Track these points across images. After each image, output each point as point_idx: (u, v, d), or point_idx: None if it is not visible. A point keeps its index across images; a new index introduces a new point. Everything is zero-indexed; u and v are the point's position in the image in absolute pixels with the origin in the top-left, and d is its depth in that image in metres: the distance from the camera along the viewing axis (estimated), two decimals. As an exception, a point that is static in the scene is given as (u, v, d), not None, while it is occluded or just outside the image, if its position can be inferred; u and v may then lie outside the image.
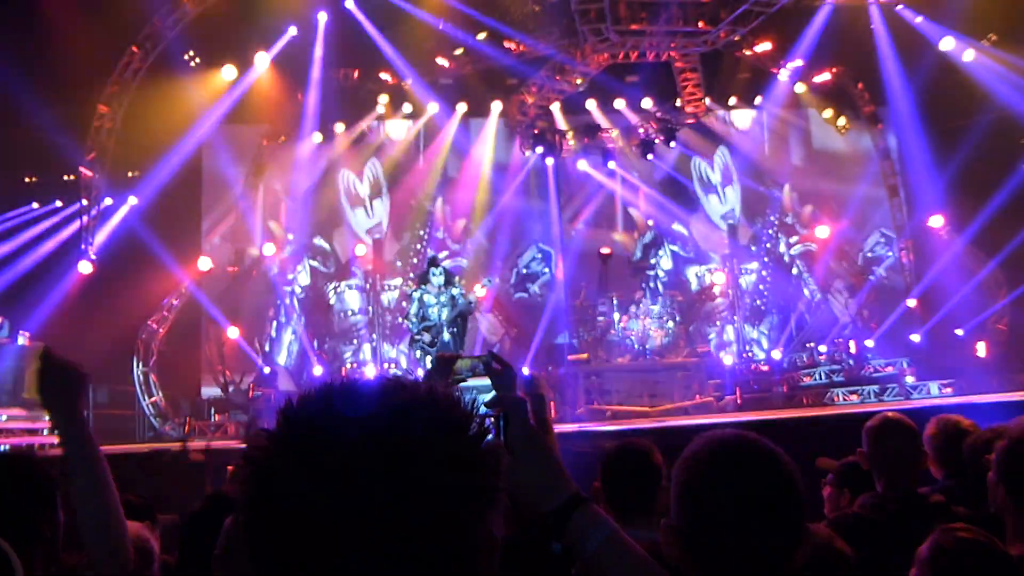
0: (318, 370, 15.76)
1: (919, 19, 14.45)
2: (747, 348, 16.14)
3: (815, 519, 3.25)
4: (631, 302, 14.08)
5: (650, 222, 17.18)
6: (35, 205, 15.02)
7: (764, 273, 17.13)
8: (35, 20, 13.76)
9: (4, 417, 11.10)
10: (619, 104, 16.55)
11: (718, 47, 14.18)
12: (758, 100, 16.84)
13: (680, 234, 17.30)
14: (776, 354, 14.52)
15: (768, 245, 17.28)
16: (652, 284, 16.32)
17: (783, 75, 16.03)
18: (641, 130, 16.58)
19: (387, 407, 0.83)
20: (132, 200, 14.74)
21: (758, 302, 16.92)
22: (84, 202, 14.12)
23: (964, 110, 15.32)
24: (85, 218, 14.13)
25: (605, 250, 14.93)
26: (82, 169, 13.89)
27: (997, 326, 15.06)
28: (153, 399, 14.52)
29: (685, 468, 1.49)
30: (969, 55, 14.75)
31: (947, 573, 2.03)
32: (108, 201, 14.53)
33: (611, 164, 16.85)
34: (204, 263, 15.02)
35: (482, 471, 0.85)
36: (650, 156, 16.46)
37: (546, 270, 17.07)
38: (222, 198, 16.48)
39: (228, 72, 14.98)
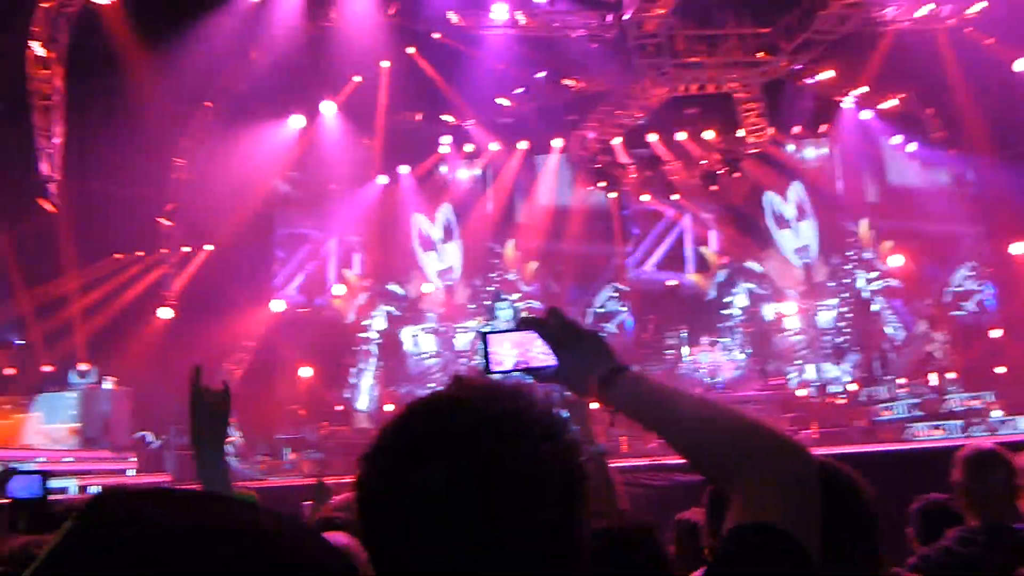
0: (390, 407, 15.99)
1: (990, 41, 14.08)
2: (826, 385, 15.65)
3: (900, 557, 3.17)
4: (701, 335, 13.92)
5: (723, 260, 16.97)
6: (118, 256, 15.71)
7: (844, 310, 16.69)
8: (118, 83, 14.56)
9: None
10: (680, 136, 16.53)
11: (779, 77, 14.09)
12: (823, 128, 16.62)
13: (755, 271, 17.00)
14: (853, 387, 14.09)
15: (847, 281, 16.86)
16: (729, 323, 16.05)
17: (847, 103, 15.82)
18: (704, 162, 16.52)
19: (499, 404, 0.91)
20: (208, 247, 15.30)
21: (839, 339, 16.46)
22: (164, 251, 14.72)
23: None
24: (165, 266, 14.72)
25: (672, 282, 14.83)
26: (161, 220, 14.49)
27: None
28: (231, 439, 14.85)
29: None
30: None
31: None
32: (186, 249, 15.09)
33: (675, 196, 16.79)
34: (277, 305, 15.44)
35: (577, 473, 0.91)
36: (714, 187, 16.36)
37: (622, 308, 16.94)
38: (293, 243, 16.98)
39: (297, 121, 15.53)
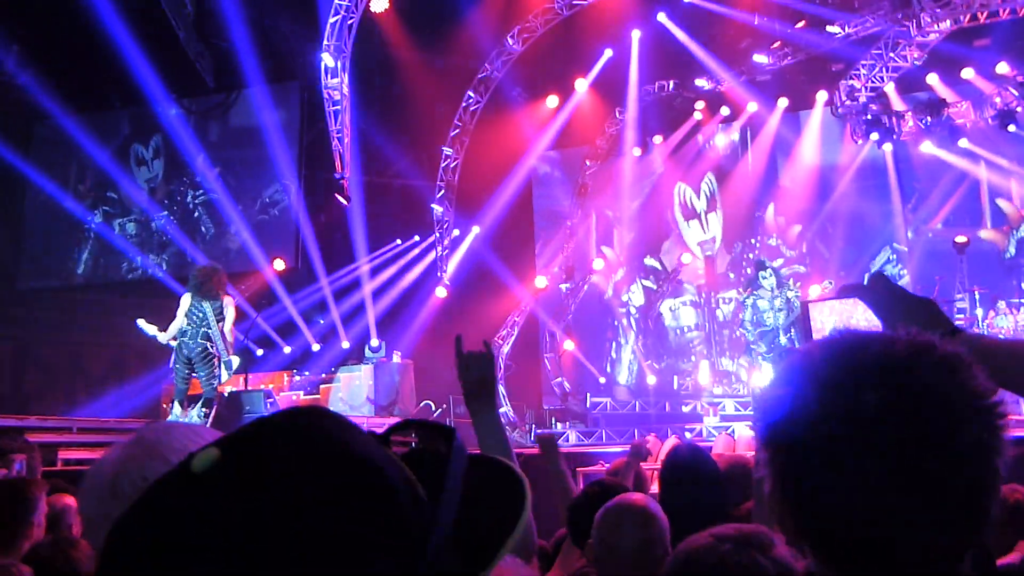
0: (651, 379, 16.04)
1: None
2: None
3: None
4: (998, 298, 12.34)
5: (1025, 212, 14.88)
6: (398, 241, 17.21)
7: None
8: (392, 84, 15.96)
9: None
10: (967, 74, 14.61)
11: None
12: None
13: None
14: None
15: None
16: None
17: None
18: (998, 99, 14.49)
19: None
20: (476, 229, 16.28)
21: None
22: (437, 235, 15.91)
23: None
24: (439, 249, 15.91)
25: (961, 239, 13.25)
26: (434, 206, 15.65)
27: None
28: (503, 409, 15.80)
29: None
30: None
31: None
32: (456, 232, 16.17)
33: (963, 142, 14.92)
34: (540, 281, 16.06)
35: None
36: (1012, 128, 14.31)
37: (904, 272, 15.49)
38: (554, 220, 17.53)
39: (552, 101, 15.98)
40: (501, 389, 15.98)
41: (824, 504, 0.89)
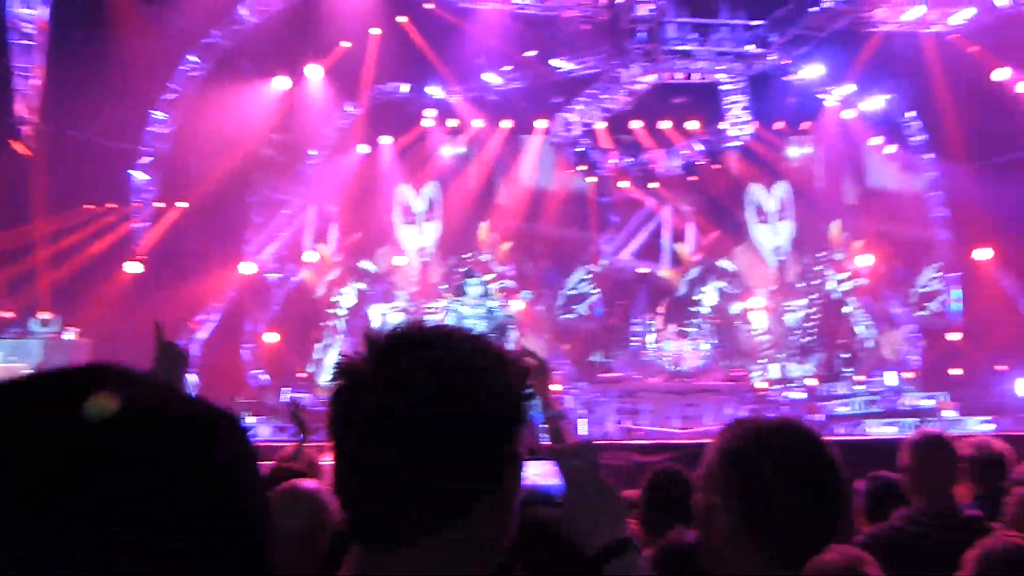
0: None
1: (973, 49, 14.26)
2: (786, 381, 15.85)
3: (847, 534, 3.22)
4: (668, 324, 14.01)
5: (696, 258, 17.01)
6: (89, 206, 15.44)
7: (812, 310, 16.84)
8: (105, 32, 14.30)
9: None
10: (664, 125, 16.55)
11: (767, 70, 14.14)
12: (805, 126, 16.75)
13: (727, 270, 17.07)
14: (812, 382, 14.32)
15: (816, 282, 17.02)
16: (697, 317, 16.09)
17: (831, 101, 15.95)
18: (686, 152, 16.55)
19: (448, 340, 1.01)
20: (182, 204, 15.10)
21: (805, 339, 16.62)
22: (136, 204, 14.51)
23: (1016, 142, 15.07)
24: (136, 220, 14.52)
25: (643, 270, 14.89)
26: (135, 172, 14.27)
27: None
28: (190, 399, 14.76)
29: (733, 446, 1.52)
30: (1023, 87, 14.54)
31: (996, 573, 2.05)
32: (159, 204, 14.89)
33: (653, 184, 16.82)
34: (247, 268, 15.29)
35: (515, 396, 1.00)
36: (694, 178, 16.42)
37: (593, 291, 16.94)
38: (270, 207, 16.80)
39: (281, 83, 15.34)
40: (193, 378, 14.94)
41: None
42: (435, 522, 0.93)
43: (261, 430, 13.74)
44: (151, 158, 14.31)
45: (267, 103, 15.48)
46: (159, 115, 14.11)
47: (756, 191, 17.03)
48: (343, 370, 1.00)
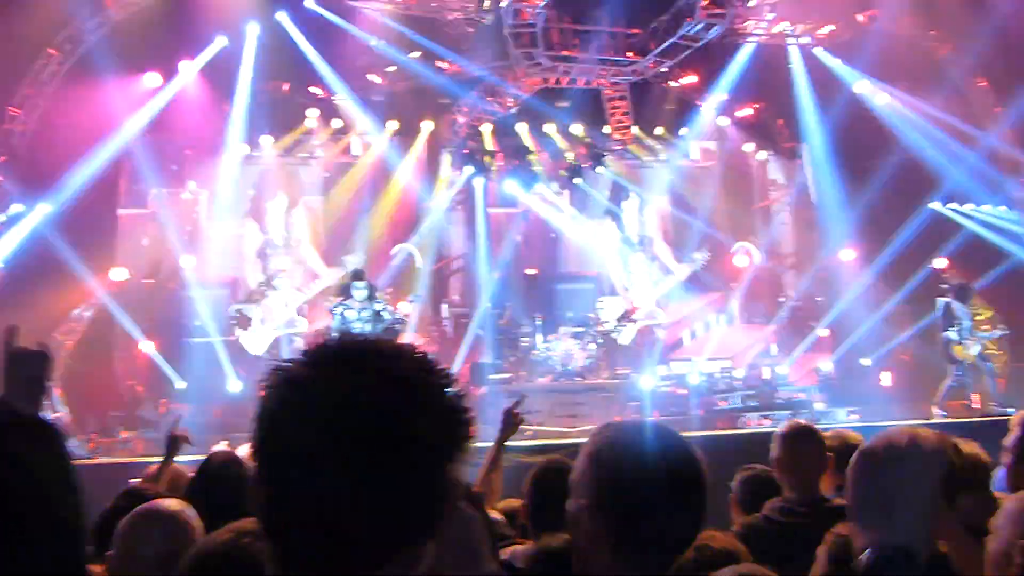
0: (235, 386, 15.32)
1: (836, 61, 15.15)
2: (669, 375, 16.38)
3: (724, 525, 3.33)
4: (555, 323, 14.18)
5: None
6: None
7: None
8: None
9: None
10: (549, 128, 16.78)
11: (646, 77, 14.56)
12: (684, 131, 17.38)
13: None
14: (693, 379, 14.82)
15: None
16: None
17: (707, 108, 16.61)
18: (570, 155, 16.84)
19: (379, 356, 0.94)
20: (45, 207, 14.14)
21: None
22: (-8, 206, 13.51)
23: (875, 150, 16.13)
24: (-8, 223, 13.52)
25: (531, 271, 15.03)
26: (-10, 173, 13.31)
27: (902, 357, 15.74)
28: (58, 414, 13.85)
29: (598, 450, 1.53)
30: (882, 99, 15.56)
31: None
32: (18, 207, 13.92)
33: (539, 187, 17.01)
34: (118, 273, 14.51)
35: (451, 422, 0.93)
36: (578, 180, 16.72)
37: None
38: (142, 210, 15.99)
39: (152, 79, 14.62)
40: (57, 392, 14.02)
41: None
42: (372, 560, 0.86)
43: (136, 445, 13.06)
44: (7, 157, 13.36)
45: (138, 100, 14.72)
46: (15, 111, 13.19)
47: (631, 194, 17.48)
48: (276, 388, 0.92)
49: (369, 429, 0.86)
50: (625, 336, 14.65)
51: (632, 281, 17.12)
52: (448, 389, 0.94)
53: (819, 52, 14.98)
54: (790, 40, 14.71)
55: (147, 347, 15.01)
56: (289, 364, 0.93)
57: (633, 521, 1.43)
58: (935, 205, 15.92)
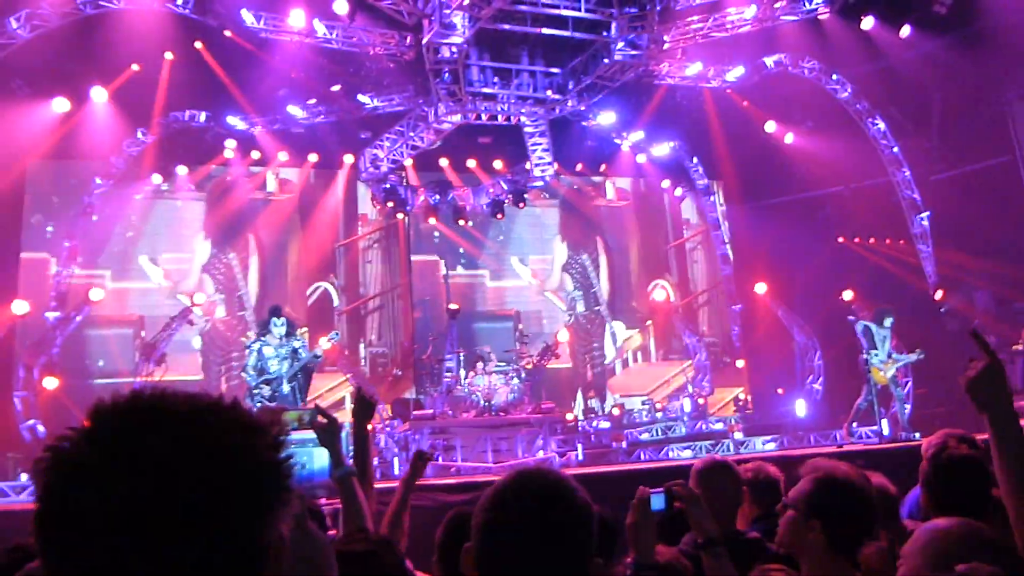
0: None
1: (745, 103, 15.79)
2: (590, 411, 16.54)
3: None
4: (478, 358, 14.15)
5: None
6: None
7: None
8: None
9: None
10: (471, 164, 16.91)
11: (565, 115, 14.85)
12: (603, 168, 17.80)
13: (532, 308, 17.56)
14: (616, 411, 15.01)
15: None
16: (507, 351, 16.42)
17: (625, 146, 17.04)
18: (491, 190, 16.98)
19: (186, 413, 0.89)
20: (-62, 236, 13.43)
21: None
22: None
23: (785, 187, 16.84)
24: None
25: (453, 306, 15.00)
26: None
27: (813, 386, 16.31)
28: (-50, 457, 13.03)
29: (484, 499, 1.59)
30: (789, 138, 16.28)
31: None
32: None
33: (461, 222, 17.08)
34: (20, 307, 13.83)
35: (269, 475, 0.89)
36: (500, 216, 16.87)
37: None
38: (47, 239, 15.33)
39: (60, 104, 14.10)
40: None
41: None
42: None
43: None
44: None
45: (45, 126, 14.16)
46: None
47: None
48: (57, 459, 0.85)
49: (151, 507, 0.80)
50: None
51: (551, 318, 17.35)
52: (253, 442, 0.88)
53: (730, 93, 15.58)
54: (702, 83, 15.26)
55: (51, 384, 14.30)
56: (66, 443, 0.86)
57: (501, 566, 1.49)
58: (841, 239, 16.71)
